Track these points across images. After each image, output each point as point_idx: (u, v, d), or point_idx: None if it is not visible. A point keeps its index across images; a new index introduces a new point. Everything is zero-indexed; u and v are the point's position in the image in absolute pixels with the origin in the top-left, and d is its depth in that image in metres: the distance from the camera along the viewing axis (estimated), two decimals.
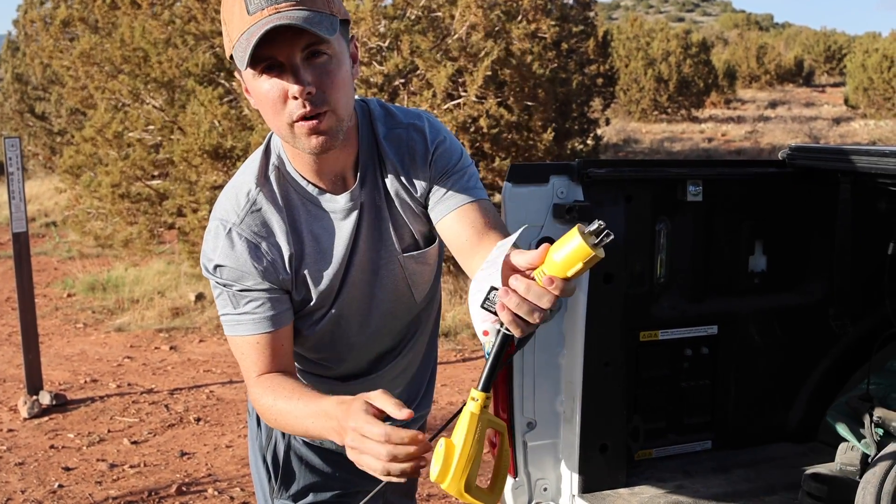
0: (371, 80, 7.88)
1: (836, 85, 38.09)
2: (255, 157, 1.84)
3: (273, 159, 1.82)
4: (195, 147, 8.00)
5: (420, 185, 1.84)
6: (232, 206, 1.80)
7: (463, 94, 8.40)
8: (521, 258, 1.43)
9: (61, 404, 6.06)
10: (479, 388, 1.50)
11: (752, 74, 37.57)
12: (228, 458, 5.26)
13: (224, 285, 1.80)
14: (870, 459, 2.63)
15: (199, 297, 8.86)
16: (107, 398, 6.26)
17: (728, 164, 2.78)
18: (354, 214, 1.84)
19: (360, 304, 1.94)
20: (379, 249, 1.90)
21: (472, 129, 8.66)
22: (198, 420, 5.88)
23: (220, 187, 8.51)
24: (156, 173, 9.18)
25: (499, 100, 8.53)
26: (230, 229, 1.78)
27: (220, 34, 8.57)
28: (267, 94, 1.63)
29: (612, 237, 1.41)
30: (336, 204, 1.82)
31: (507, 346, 1.48)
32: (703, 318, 2.57)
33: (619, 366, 2.52)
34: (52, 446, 5.38)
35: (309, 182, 1.81)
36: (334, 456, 2.15)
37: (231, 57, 1.64)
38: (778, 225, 2.79)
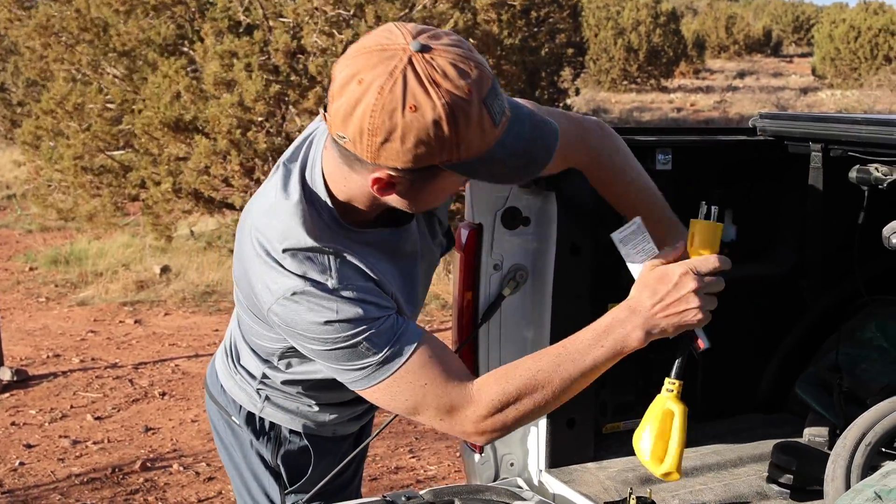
0: (331, 49, 7.77)
1: (803, 55, 38.20)
2: (285, 229, 1.70)
3: (324, 216, 1.72)
4: (156, 120, 7.88)
5: None
6: (317, 274, 1.69)
7: None
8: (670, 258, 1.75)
9: (23, 380, 5.96)
10: (673, 376, 1.82)
11: (720, 44, 37.60)
12: (194, 432, 5.21)
13: (366, 327, 1.69)
14: (838, 430, 2.61)
15: (165, 269, 8.75)
16: (70, 373, 6.18)
17: (698, 132, 2.73)
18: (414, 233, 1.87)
19: (420, 296, 1.99)
20: (429, 241, 1.95)
21: None
22: (163, 395, 5.82)
23: (184, 159, 8.50)
24: (120, 144, 9.05)
25: None
26: (334, 289, 1.68)
27: (181, 4, 8.46)
28: (452, 186, 1.68)
29: (717, 207, 1.78)
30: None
31: (690, 336, 1.79)
32: None
33: None
34: (13, 423, 5.29)
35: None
36: (327, 444, 2.20)
37: (444, 164, 1.57)
38: (748, 194, 2.75)
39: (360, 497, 2.39)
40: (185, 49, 8.44)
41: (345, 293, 1.68)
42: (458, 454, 5.08)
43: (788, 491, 2.25)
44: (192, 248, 9.67)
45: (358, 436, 2.31)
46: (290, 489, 2.19)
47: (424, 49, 1.50)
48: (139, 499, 4.41)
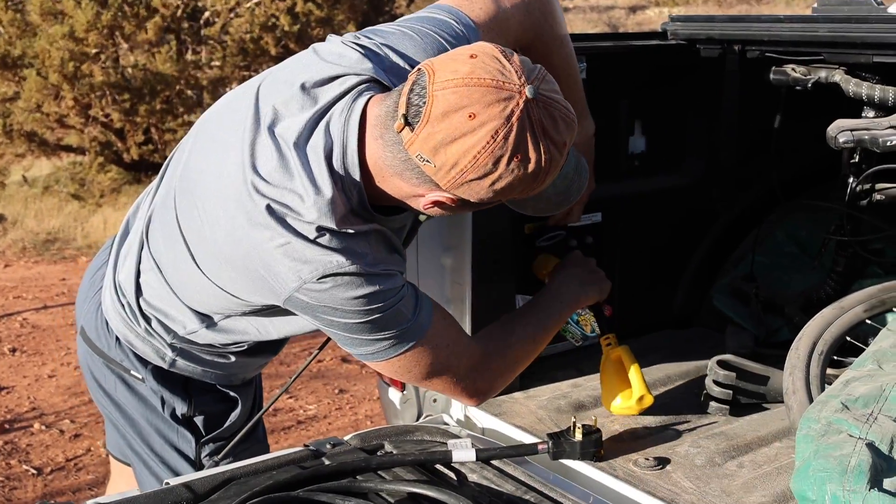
0: None
1: None
2: (317, 217, 1.63)
3: (353, 200, 1.67)
4: None
5: None
6: (352, 251, 1.65)
7: None
8: None
9: None
10: (604, 333, 2.22)
11: None
12: (53, 389, 4.89)
13: (396, 297, 1.72)
14: (759, 340, 2.56)
15: (0, 218, 8.18)
16: None
17: (608, 38, 2.59)
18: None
19: None
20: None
21: (275, 29, 8.30)
22: (13, 351, 5.45)
23: (12, 99, 7.94)
24: None
25: None
26: (369, 264, 1.67)
27: None
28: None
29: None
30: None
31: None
32: (586, 206, 2.39)
33: (507, 264, 2.32)
34: None
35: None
36: (237, 390, 2.17)
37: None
38: (657, 102, 2.64)
39: (266, 442, 2.30)
40: None
41: (379, 266, 1.68)
42: (336, 391, 4.94)
43: (727, 407, 2.18)
44: (27, 195, 9.07)
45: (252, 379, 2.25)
46: (206, 437, 2.11)
47: (538, 95, 1.51)
48: (0, 463, 4.09)
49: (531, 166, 1.52)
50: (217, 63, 8.39)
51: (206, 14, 8.51)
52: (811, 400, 1.86)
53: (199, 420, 2.10)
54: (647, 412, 2.17)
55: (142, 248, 1.95)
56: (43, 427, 4.45)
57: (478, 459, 1.88)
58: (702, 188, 2.74)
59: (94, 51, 7.51)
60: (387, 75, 1.71)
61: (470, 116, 1.48)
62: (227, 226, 1.69)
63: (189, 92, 8.12)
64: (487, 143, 1.49)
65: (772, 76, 2.38)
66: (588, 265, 2.16)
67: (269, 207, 1.62)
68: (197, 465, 2.10)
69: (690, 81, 2.66)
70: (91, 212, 8.45)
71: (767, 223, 2.77)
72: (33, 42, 7.37)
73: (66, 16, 7.33)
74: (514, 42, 1.94)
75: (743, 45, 2.42)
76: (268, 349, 2.10)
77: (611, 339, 2.21)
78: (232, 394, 2.13)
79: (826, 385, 1.94)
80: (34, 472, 4.03)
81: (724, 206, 2.78)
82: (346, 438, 2.01)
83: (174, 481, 1.78)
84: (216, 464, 2.07)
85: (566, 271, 2.13)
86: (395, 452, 1.97)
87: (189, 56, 8.32)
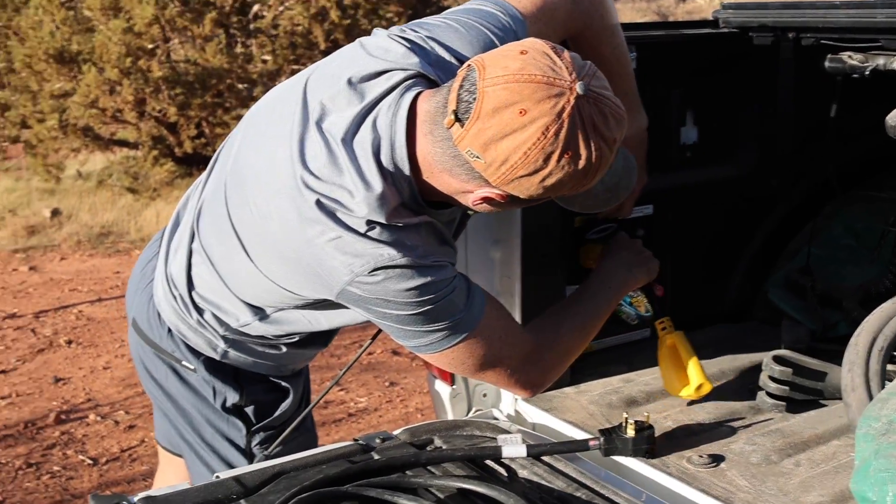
0: None
1: None
2: (368, 213, 1.63)
3: (405, 194, 1.68)
4: (38, 52, 7.38)
5: None
6: (404, 244, 1.66)
7: None
8: None
9: None
10: (661, 314, 2.20)
11: None
12: (108, 380, 4.94)
13: (449, 287, 1.72)
14: (816, 334, 2.51)
15: (55, 212, 8.30)
16: None
17: (658, 27, 2.55)
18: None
19: None
20: None
21: (325, 21, 8.31)
22: (69, 343, 5.50)
23: (68, 95, 8.03)
24: None
25: None
26: (420, 256, 1.67)
27: None
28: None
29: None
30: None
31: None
32: (637, 198, 2.36)
33: (556, 257, 2.30)
34: None
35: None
36: (288, 381, 2.17)
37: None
38: (708, 92, 2.59)
39: (315, 431, 2.32)
40: None
41: (430, 258, 1.67)
42: (387, 383, 4.94)
43: (784, 404, 2.13)
44: (82, 189, 9.19)
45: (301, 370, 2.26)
46: (256, 426, 2.12)
47: (588, 92, 1.49)
48: (57, 453, 4.16)
49: (581, 163, 1.51)
50: (267, 57, 8.43)
51: (255, 8, 8.54)
52: (871, 397, 1.81)
53: (249, 410, 2.11)
54: (699, 408, 2.14)
55: (192, 240, 1.96)
56: (98, 418, 4.50)
57: (528, 455, 1.86)
58: (755, 179, 2.69)
59: (150, 45, 7.58)
60: (433, 69, 1.70)
61: (521, 113, 1.47)
62: (278, 221, 1.69)
63: (240, 86, 8.16)
64: (538, 139, 1.48)
65: (827, 64, 2.32)
66: (634, 246, 2.13)
67: (318, 202, 1.63)
68: (247, 454, 2.12)
69: (743, 70, 2.60)
70: (144, 205, 8.54)
71: (824, 214, 2.71)
72: (90, 38, 7.44)
73: (124, 11, 7.39)
74: (562, 32, 1.92)
75: (797, 32, 2.37)
76: (318, 340, 2.10)
77: (666, 323, 2.20)
78: (284, 384, 2.14)
79: (886, 382, 1.89)
80: (90, 462, 4.08)
81: (782, 197, 2.72)
82: (395, 433, 2.00)
83: (224, 474, 1.78)
84: (266, 456, 2.07)
85: (612, 256, 2.10)
86: (444, 447, 1.96)
87: (238, 49, 8.36)
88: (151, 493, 1.71)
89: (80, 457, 4.12)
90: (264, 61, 8.35)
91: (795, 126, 2.64)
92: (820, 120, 2.50)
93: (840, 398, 1.99)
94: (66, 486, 3.88)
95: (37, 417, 4.49)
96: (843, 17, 2.21)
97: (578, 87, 1.48)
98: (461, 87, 1.54)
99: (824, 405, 2.19)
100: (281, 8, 8.42)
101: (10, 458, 4.08)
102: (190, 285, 1.98)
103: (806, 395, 2.17)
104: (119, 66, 7.27)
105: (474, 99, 1.50)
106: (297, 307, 1.90)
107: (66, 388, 4.85)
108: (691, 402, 2.20)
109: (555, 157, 1.49)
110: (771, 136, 2.67)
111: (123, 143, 8.83)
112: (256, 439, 2.12)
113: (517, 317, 2.25)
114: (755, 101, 2.65)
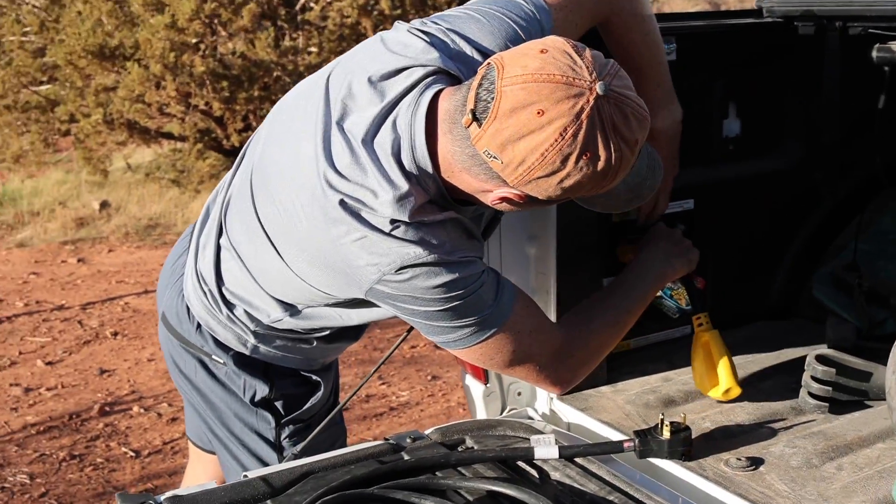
0: None
1: None
2: (393, 212, 1.62)
3: (431, 191, 1.67)
4: (78, 48, 7.45)
5: None
6: (430, 241, 1.64)
7: None
8: None
9: None
10: (696, 312, 2.15)
11: None
12: (152, 372, 4.98)
13: (477, 282, 1.70)
14: (862, 332, 2.44)
15: (104, 204, 8.39)
16: (14, 318, 5.85)
17: (700, 17, 2.49)
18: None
19: None
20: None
21: (374, 13, 8.29)
22: (115, 335, 5.55)
23: (113, 89, 8.11)
24: (44, 79, 8.61)
25: None
26: (448, 252, 1.66)
27: None
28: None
29: None
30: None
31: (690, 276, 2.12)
32: (678, 193, 2.30)
33: (593, 253, 2.25)
34: None
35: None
36: (318, 374, 2.17)
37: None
38: (752, 83, 2.52)
39: (343, 424, 2.30)
40: None
41: (456, 254, 1.66)
42: (429, 377, 4.92)
43: (826, 404, 2.07)
44: (130, 181, 9.30)
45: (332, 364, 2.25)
46: (286, 418, 2.11)
47: (609, 92, 1.46)
48: (101, 445, 4.19)
49: (601, 164, 1.48)
50: (314, 49, 8.43)
51: (302, 0, 8.55)
52: None
53: (279, 403, 2.10)
54: (739, 409, 2.09)
55: (220, 235, 1.96)
56: (142, 410, 4.53)
57: (561, 457, 1.82)
58: (800, 172, 2.62)
59: (193, 40, 7.61)
60: (453, 63, 1.68)
61: (538, 113, 1.44)
62: (306, 220, 1.69)
63: (287, 78, 8.18)
64: (556, 140, 1.45)
65: (875, 54, 2.25)
66: (673, 236, 2.09)
67: (342, 202, 1.62)
68: (277, 448, 2.11)
69: (788, 61, 2.53)
70: (191, 198, 8.61)
71: (871, 209, 2.64)
72: (133, 32, 7.49)
73: (167, 6, 7.43)
74: (589, 19, 1.89)
75: (844, 21, 2.30)
76: (348, 335, 2.10)
77: (702, 319, 2.15)
78: (315, 378, 2.14)
79: None
80: (132, 454, 4.10)
81: (828, 190, 2.65)
82: (427, 432, 1.98)
83: (252, 474, 1.77)
84: (295, 455, 2.06)
85: (650, 246, 2.06)
86: (475, 448, 1.93)
87: (286, 42, 8.37)
88: (178, 492, 1.70)
89: (123, 449, 4.15)
90: (310, 53, 8.36)
91: (841, 118, 2.57)
92: (867, 111, 2.43)
93: (885, 400, 1.93)
94: (108, 479, 3.91)
95: (82, 409, 4.54)
96: (892, 6, 2.14)
97: (598, 88, 1.46)
98: (480, 85, 1.51)
99: (869, 406, 2.12)
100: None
101: (55, 450, 4.12)
102: (219, 281, 1.98)
103: (850, 395, 2.10)
104: (163, 61, 7.31)
105: (492, 98, 1.48)
106: (328, 305, 1.89)
107: (111, 380, 4.90)
108: (730, 402, 2.14)
109: (573, 158, 1.46)
110: (816, 129, 2.59)
111: (169, 136, 8.89)
112: (286, 432, 2.12)
113: (552, 314, 2.22)
114: (800, 93, 2.58)
